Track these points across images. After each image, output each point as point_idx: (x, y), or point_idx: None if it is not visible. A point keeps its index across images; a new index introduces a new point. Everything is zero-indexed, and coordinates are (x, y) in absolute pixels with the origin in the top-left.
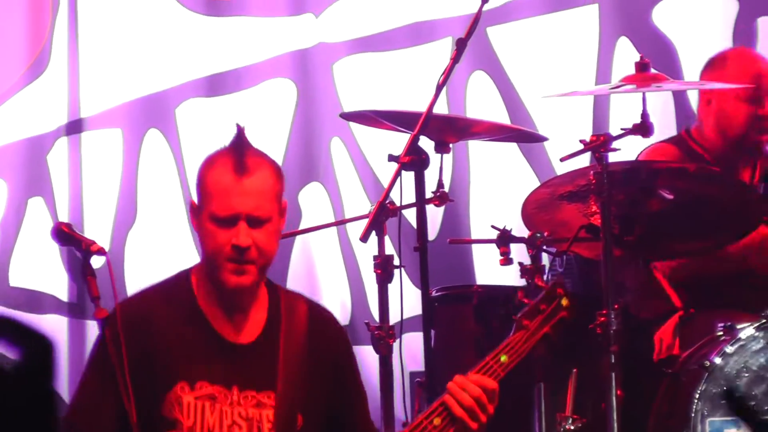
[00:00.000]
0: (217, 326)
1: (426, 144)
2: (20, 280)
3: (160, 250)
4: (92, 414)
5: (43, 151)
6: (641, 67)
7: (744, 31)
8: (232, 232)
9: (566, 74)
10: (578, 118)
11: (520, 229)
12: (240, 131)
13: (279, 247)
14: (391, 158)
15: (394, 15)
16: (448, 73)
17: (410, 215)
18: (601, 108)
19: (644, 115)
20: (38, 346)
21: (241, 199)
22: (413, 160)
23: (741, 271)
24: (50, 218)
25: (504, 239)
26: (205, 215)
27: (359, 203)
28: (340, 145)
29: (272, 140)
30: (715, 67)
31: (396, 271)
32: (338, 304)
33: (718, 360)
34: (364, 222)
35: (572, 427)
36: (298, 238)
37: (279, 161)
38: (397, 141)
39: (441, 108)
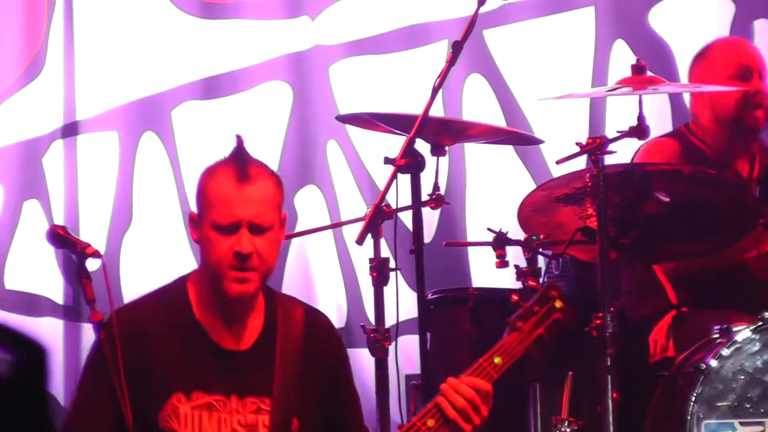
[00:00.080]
0: (214, 335)
1: (422, 147)
2: (16, 282)
3: (155, 253)
4: (90, 420)
5: (38, 153)
6: (637, 69)
7: (740, 33)
8: (233, 239)
9: (562, 77)
10: (574, 120)
11: (516, 232)
12: (240, 142)
13: None
14: (387, 161)
15: (390, 18)
16: (444, 76)
17: (406, 218)
18: (597, 110)
19: (640, 118)
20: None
21: (243, 206)
22: (409, 163)
23: (739, 268)
24: (46, 221)
25: (500, 242)
26: (206, 224)
27: (355, 206)
28: (336, 147)
29: (268, 143)
30: (699, 59)
31: (392, 274)
32: (334, 307)
33: (714, 362)
34: (360, 224)
35: (568, 430)
36: (294, 241)
37: (275, 164)
38: (393, 143)
39: (437, 111)
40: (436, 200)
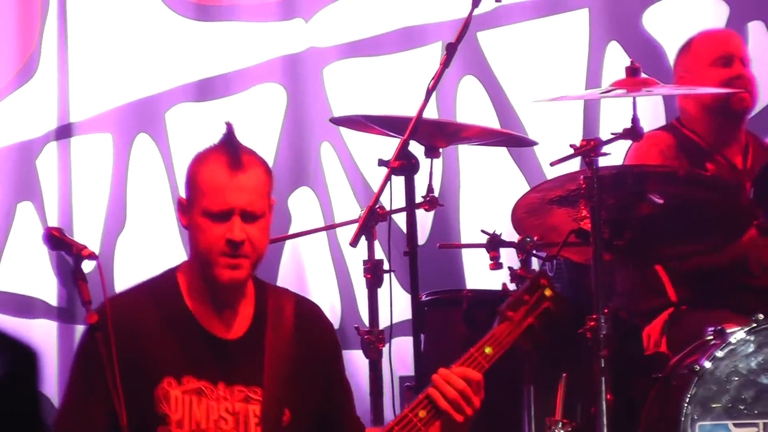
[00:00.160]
0: (204, 323)
1: (416, 148)
2: (9, 284)
3: (149, 255)
4: (81, 416)
5: (32, 155)
6: (631, 71)
7: None
8: (225, 227)
9: (556, 79)
10: (568, 122)
11: (510, 234)
12: (230, 129)
13: (269, 251)
14: (381, 163)
15: (384, 20)
16: (438, 78)
17: (400, 220)
18: (591, 112)
19: (634, 120)
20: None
21: (235, 194)
22: (403, 165)
23: (739, 268)
24: (39, 223)
25: (494, 244)
26: (196, 211)
27: (349, 208)
28: (329, 149)
29: (262, 145)
30: (683, 51)
31: (386, 276)
32: (328, 309)
33: (708, 364)
34: (354, 226)
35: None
36: (288, 243)
37: (269, 166)
38: (387, 145)
39: (431, 112)
40: (430, 202)
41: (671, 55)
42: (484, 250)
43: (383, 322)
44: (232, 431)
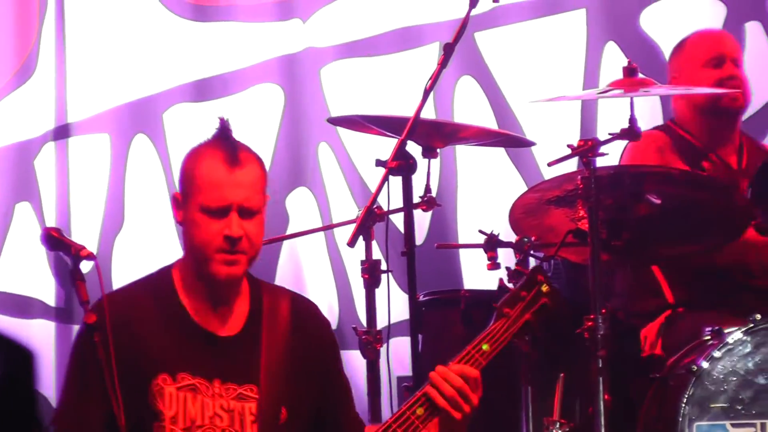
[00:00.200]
0: (199, 320)
1: (413, 149)
2: (7, 285)
3: (147, 255)
4: (78, 415)
5: (30, 156)
6: (629, 71)
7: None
8: (223, 223)
9: (554, 79)
10: (566, 122)
11: (507, 234)
12: (225, 124)
13: (266, 251)
14: (379, 163)
15: (381, 20)
16: (435, 78)
17: (398, 220)
18: (588, 113)
19: (632, 120)
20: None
21: (233, 190)
22: (401, 165)
23: (738, 268)
24: (37, 223)
25: (491, 244)
26: (193, 207)
27: (347, 208)
28: (327, 149)
29: (260, 145)
30: (676, 51)
31: (383, 276)
32: (326, 309)
33: (705, 364)
34: (352, 227)
35: None
36: (286, 243)
37: (266, 166)
38: (385, 146)
39: (428, 113)
40: (427, 202)
41: (668, 56)
42: (481, 250)
43: (381, 323)
44: (227, 428)
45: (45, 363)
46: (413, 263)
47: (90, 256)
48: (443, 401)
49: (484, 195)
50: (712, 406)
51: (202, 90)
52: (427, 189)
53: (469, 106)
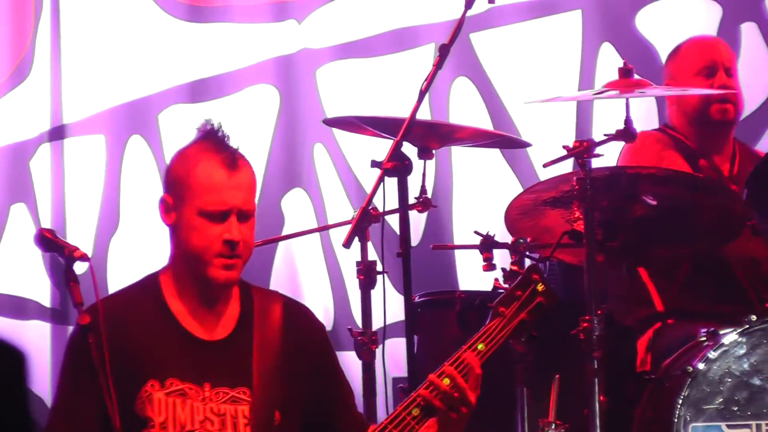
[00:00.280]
0: (187, 324)
1: (409, 150)
2: (3, 286)
3: (142, 256)
4: (72, 417)
5: (25, 157)
6: (624, 72)
7: (727, 36)
8: (223, 227)
9: (549, 80)
10: (561, 123)
11: (503, 235)
12: (219, 127)
13: (261, 253)
14: (374, 164)
15: (377, 21)
16: (431, 79)
17: (393, 221)
18: (584, 114)
19: (627, 121)
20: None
21: (233, 193)
22: (396, 166)
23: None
24: (33, 224)
25: (487, 245)
26: (189, 210)
27: (342, 209)
28: (323, 151)
29: (255, 146)
30: (671, 57)
31: (379, 277)
32: (321, 310)
33: (701, 365)
34: (347, 228)
35: None
36: (281, 244)
37: (262, 167)
38: (380, 147)
39: (424, 114)
40: (423, 203)
41: (664, 57)
42: (477, 251)
43: (376, 324)
44: None
45: (40, 364)
46: (409, 264)
47: (84, 258)
48: (439, 402)
49: (480, 196)
50: (708, 407)
51: (198, 91)
52: (423, 190)
53: (465, 107)
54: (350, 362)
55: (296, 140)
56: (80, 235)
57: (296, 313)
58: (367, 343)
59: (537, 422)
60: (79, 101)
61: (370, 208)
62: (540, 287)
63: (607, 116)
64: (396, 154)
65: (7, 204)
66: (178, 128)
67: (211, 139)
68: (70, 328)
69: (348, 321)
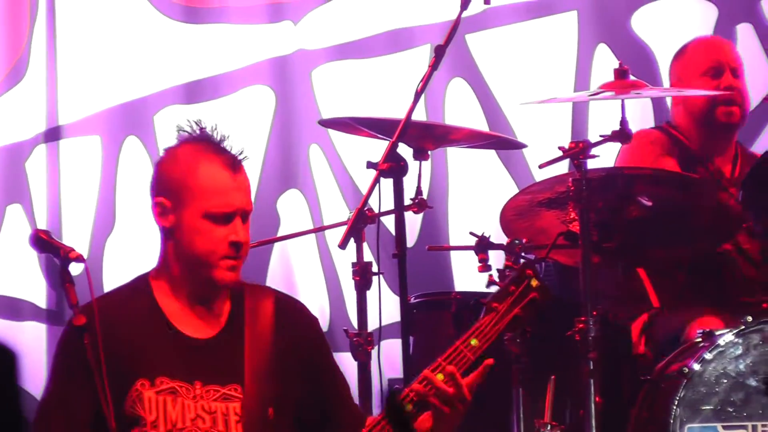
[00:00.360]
0: (177, 323)
1: (404, 151)
2: None
3: (138, 257)
4: (61, 414)
5: (21, 158)
6: (620, 74)
7: (723, 37)
8: (228, 229)
9: (545, 81)
10: (557, 124)
11: (498, 236)
12: (208, 129)
13: (257, 253)
14: (370, 165)
15: (372, 22)
16: (426, 80)
17: (389, 222)
18: (580, 115)
19: (623, 122)
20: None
21: (238, 194)
22: (392, 167)
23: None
24: (28, 225)
25: (482, 246)
26: (192, 213)
27: (338, 210)
28: (318, 152)
29: (251, 147)
30: (677, 57)
31: (374, 278)
32: (317, 311)
33: (697, 366)
34: (343, 229)
35: None
36: (277, 245)
37: (258, 168)
38: (376, 148)
39: (419, 115)
40: (418, 204)
41: (660, 58)
42: (472, 252)
43: (372, 325)
44: (210, 430)
45: (36, 365)
46: (404, 265)
47: (79, 259)
48: (434, 398)
49: (475, 197)
50: (704, 408)
51: (193, 92)
52: (418, 191)
53: (460, 108)
54: (346, 363)
55: (292, 141)
56: (76, 236)
57: (288, 308)
58: (362, 344)
59: (533, 423)
60: (75, 102)
61: (365, 209)
62: (534, 283)
63: (603, 117)
64: (391, 155)
65: (3, 205)
66: (174, 129)
67: (210, 140)
68: None
69: (343, 322)
